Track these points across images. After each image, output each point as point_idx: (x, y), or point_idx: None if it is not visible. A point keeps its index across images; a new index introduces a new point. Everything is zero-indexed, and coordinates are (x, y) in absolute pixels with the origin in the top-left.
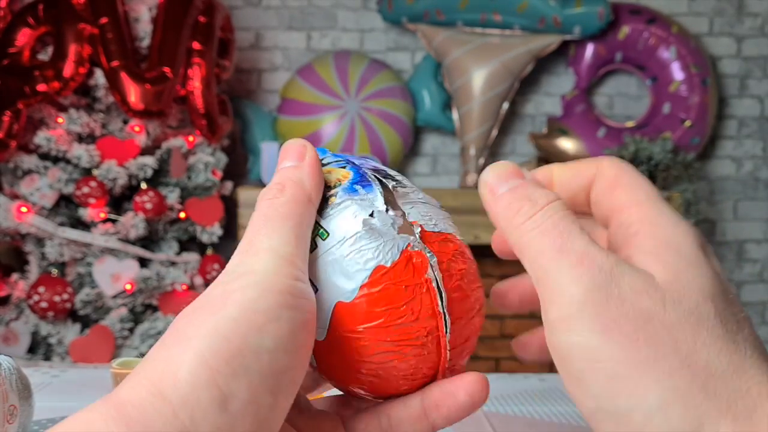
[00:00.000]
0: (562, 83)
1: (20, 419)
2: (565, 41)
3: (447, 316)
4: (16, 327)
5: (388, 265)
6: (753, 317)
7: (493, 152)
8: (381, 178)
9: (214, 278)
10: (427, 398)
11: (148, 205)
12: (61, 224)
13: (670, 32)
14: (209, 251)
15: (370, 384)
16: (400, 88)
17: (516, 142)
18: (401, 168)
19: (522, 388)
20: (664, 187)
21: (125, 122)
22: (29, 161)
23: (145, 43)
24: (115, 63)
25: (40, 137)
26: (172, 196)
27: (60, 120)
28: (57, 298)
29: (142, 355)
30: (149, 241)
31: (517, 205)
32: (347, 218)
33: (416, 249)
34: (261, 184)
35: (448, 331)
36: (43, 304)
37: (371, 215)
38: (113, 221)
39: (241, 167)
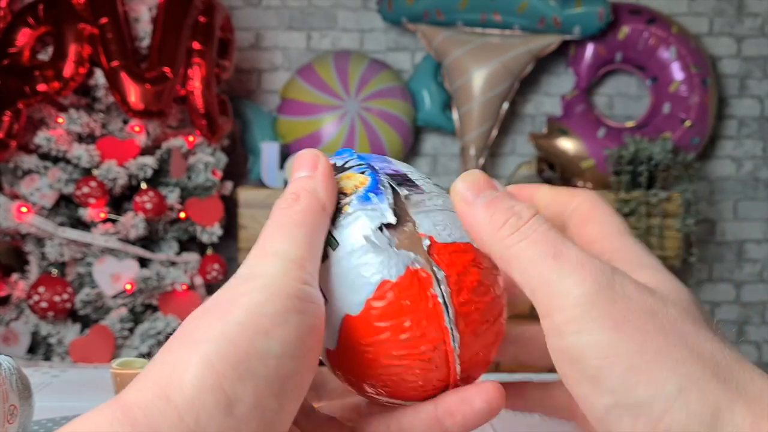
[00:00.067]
0: (562, 83)
1: (20, 419)
2: (565, 41)
3: (455, 331)
4: (16, 327)
5: (393, 279)
6: (753, 317)
7: (493, 152)
8: (395, 185)
9: (214, 278)
10: (441, 405)
11: (148, 205)
12: (61, 224)
13: (670, 32)
14: (209, 251)
15: (382, 391)
16: (400, 88)
17: (516, 142)
18: None
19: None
20: (664, 187)
21: (125, 122)
22: (29, 161)
23: (145, 43)
24: (115, 63)
25: (40, 137)
26: (172, 196)
27: (60, 120)
28: (57, 298)
29: (142, 355)
30: (149, 241)
31: (502, 218)
32: (356, 230)
33: (418, 267)
34: (261, 184)
35: (456, 345)
36: (43, 304)
37: (380, 228)
38: (113, 221)
39: (241, 167)
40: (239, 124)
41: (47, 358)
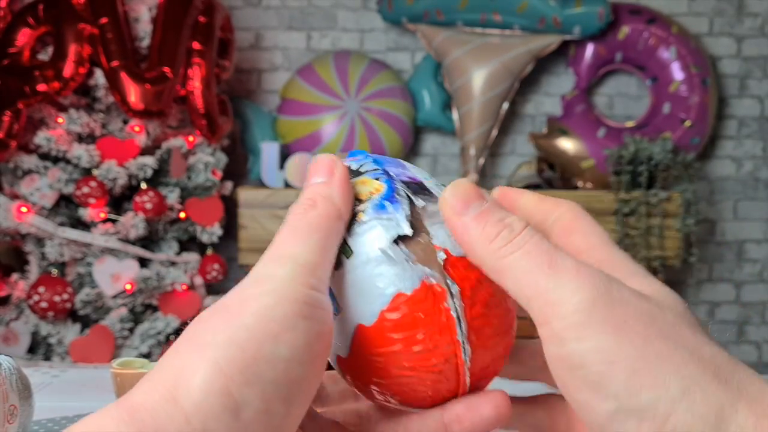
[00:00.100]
0: (562, 83)
1: (20, 419)
2: (565, 41)
3: (466, 345)
4: (16, 327)
5: (408, 292)
6: (753, 317)
7: (493, 152)
8: (411, 194)
9: (214, 278)
10: (448, 412)
11: (148, 205)
12: (61, 224)
13: (670, 32)
14: (209, 251)
15: (391, 398)
16: (400, 88)
17: (516, 142)
18: None
19: (525, 390)
20: (664, 187)
21: (125, 122)
22: (29, 161)
23: (145, 43)
24: (115, 63)
25: (40, 137)
26: (172, 196)
27: (60, 120)
28: (57, 298)
29: (142, 355)
30: (149, 241)
31: (494, 230)
32: (371, 240)
33: (434, 282)
34: (261, 184)
35: (467, 358)
36: (43, 304)
37: (395, 241)
38: (113, 221)
39: (241, 167)
40: (239, 124)
41: (47, 358)
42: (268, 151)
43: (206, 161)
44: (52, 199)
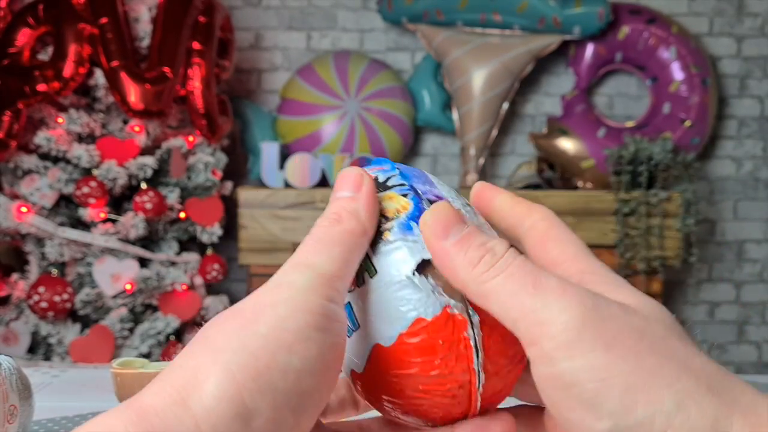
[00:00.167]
0: (562, 83)
1: (20, 419)
2: (565, 41)
3: (481, 373)
4: (16, 327)
5: (429, 318)
6: (753, 317)
7: (493, 152)
8: None
9: (214, 278)
10: (457, 429)
11: (148, 205)
12: (61, 224)
13: (670, 32)
14: (209, 251)
15: (402, 416)
16: (400, 88)
17: (516, 142)
18: None
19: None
20: (664, 187)
21: (125, 122)
22: (29, 161)
23: (145, 43)
24: (115, 63)
25: (40, 137)
26: (172, 196)
27: (60, 120)
28: (57, 298)
29: (142, 355)
30: (149, 241)
31: (476, 255)
32: (396, 262)
33: (456, 312)
34: (261, 184)
35: (480, 385)
36: (43, 304)
37: (420, 264)
38: (113, 221)
39: (241, 167)
40: (239, 124)
41: (47, 358)
42: (268, 151)
43: (206, 161)
44: (52, 199)
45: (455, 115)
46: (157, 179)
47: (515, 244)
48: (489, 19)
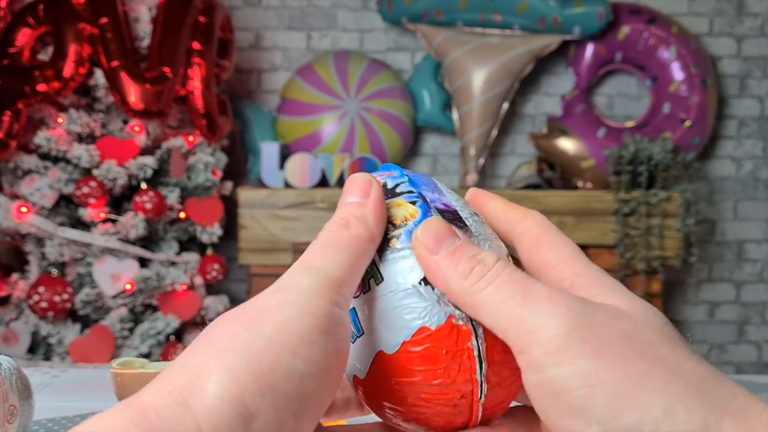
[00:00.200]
0: (562, 83)
1: (20, 419)
2: (565, 41)
3: (484, 384)
4: (16, 327)
5: (433, 328)
6: (753, 317)
7: (493, 152)
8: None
9: (214, 278)
10: None
11: (148, 205)
12: (61, 224)
13: (670, 32)
14: (209, 251)
15: (402, 423)
16: (400, 88)
17: (516, 142)
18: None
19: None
20: (664, 187)
21: (125, 122)
22: (29, 161)
23: (145, 43)
24: (115, 63)
25: (40, 137)
26: (172, 196)
27: (60, 120)
28: (57, 298)
29: (142, 355)
30: (149, 241)
31: (467, 267)
32: (403, 270)
33: (461, 323)
34: (261, 184)
35: (482, 396)
36: (43, 304)
37: (423, 277)
38: (113, 221)
39: (241, 167)
40: (239, 124)
41: (47, 358)
42: (268, 151)
43: (206, 161)
44: (52, 199)
45: (455, 115)
46: (157, 179)
47: (510, 250)
48: (489, 19)
